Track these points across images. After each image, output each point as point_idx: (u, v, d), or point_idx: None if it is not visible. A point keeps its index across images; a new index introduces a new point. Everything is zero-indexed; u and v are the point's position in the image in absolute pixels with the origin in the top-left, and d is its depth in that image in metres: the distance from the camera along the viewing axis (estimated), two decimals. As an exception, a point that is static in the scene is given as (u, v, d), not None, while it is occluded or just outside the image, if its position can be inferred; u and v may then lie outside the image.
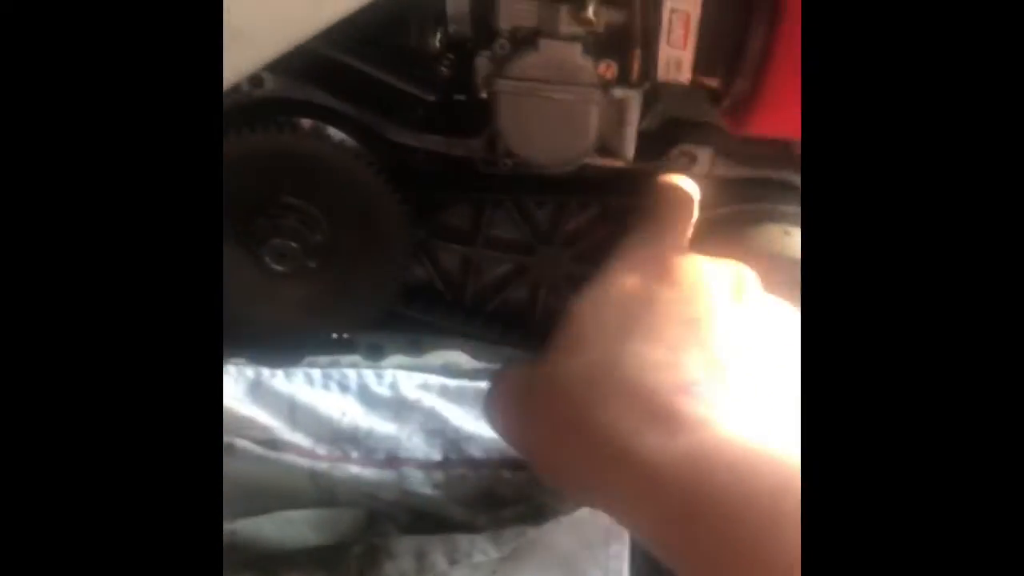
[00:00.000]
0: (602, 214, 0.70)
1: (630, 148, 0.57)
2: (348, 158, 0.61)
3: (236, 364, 0.98)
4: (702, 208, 0.65)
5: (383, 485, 0.90)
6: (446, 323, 0.70)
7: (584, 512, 0.84)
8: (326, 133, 0.61)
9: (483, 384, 1.04)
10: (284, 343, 0.71)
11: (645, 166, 0.63)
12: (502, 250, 0.71)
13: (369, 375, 1.03)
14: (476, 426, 1.00)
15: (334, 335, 0.70)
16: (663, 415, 0.31)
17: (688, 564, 0.31)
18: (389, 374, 1.03)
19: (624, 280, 0.39)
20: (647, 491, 0.31)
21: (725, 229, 0.65)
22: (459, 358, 1.09)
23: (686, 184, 0.49)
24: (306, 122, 0.61)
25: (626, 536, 0.83)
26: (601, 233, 0.71)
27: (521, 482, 0.94)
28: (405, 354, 0.71)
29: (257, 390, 0.98)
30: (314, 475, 0.91)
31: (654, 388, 0.32)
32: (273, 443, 0.93)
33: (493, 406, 0.36)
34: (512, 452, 0.97)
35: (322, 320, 0.65)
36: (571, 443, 0.33)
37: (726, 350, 0.35)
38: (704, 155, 0.64)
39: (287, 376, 1.00)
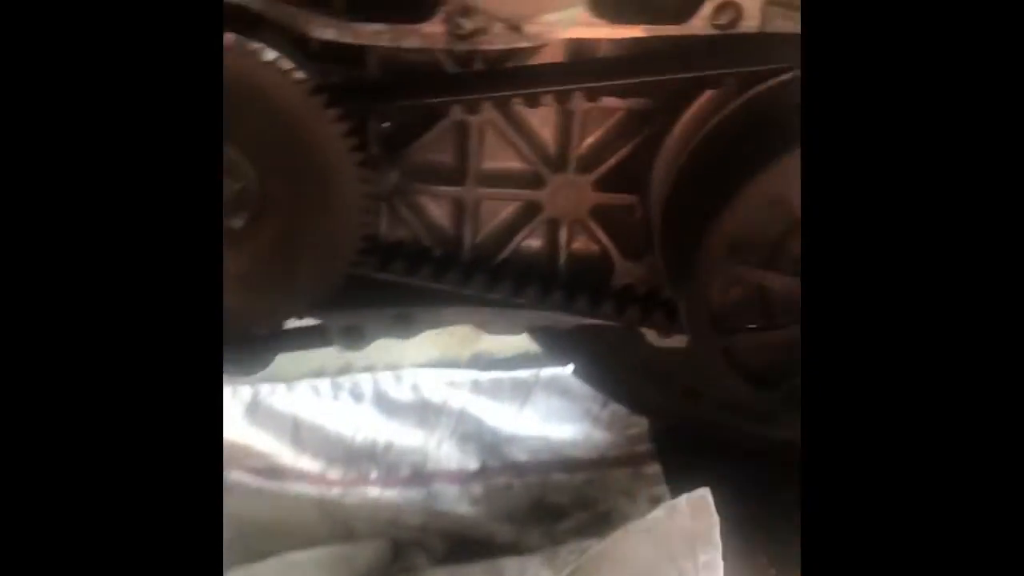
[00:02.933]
0: (624, 122, 0.54)
1: None
2: (270, 74, 0.45)
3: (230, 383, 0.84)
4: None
5: (408, 507, 0.77)
6: (439, 286, 0.54)
7: (660, 513, 0.69)
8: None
9: (522, 373, 0.90)
10: (243, 338, 0.55)
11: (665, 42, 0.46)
12: (503, 185, 0.55)
13: (386, 378, 0.89)
14: (517, 424, 0.85)
15: (294, 321, 0.54)
16: None
17: None
18: (409, 374, 0.89)
19: None
20: None
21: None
22: (490, 345, 0.95)
23: None
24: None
25: (717, 540, 0.66)
26: (624, 150, 0.55)
27: (579, 484, 0.80)
28: (392, 335, 0.56)
29: (255, 411, 0.85)
30: (324, 504, 0.77)
31: None
32: (274, 471, 0.80)
33: None
34: (564, 450, 0.84)
35: (266, 299, 0.50)
36: None
37: None
38: (752, 6, 0.48)
39: (289, 389, 0.85)
